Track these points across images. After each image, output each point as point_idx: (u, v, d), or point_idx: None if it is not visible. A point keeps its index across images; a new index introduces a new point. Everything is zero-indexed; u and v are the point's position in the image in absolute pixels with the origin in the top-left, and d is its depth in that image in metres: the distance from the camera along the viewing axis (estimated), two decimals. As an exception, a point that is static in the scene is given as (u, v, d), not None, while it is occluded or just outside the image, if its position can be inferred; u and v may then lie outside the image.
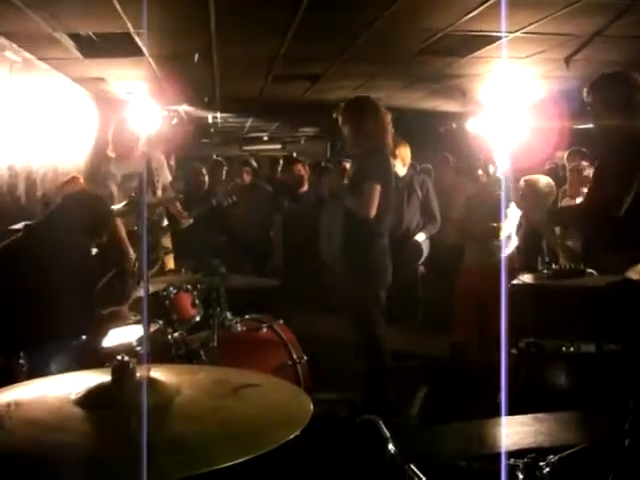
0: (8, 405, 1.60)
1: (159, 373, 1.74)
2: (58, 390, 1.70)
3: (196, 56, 7.64)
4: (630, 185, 4.07)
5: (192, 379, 1.77)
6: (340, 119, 5.45)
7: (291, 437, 1.45)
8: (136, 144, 6.43)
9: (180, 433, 1.48)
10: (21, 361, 3.44)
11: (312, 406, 1.60)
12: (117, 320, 4.17)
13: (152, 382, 1.63)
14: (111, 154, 6.46)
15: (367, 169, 5.29)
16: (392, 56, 7.89)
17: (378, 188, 5.18)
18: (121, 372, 1.61)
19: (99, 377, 1.69)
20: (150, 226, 5.71)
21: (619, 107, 4.28)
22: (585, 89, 4.48)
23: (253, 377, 1.86)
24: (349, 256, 5.40)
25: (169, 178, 6.81)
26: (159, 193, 6.55)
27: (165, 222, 6.71)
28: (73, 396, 1.62)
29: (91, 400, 1.59)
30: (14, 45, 6.87)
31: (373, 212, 5.19)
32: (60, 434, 1.50)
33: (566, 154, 8.15)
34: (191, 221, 6.79)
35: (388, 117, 5.42)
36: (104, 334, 4.05)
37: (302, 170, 8.54)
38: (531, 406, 2.89)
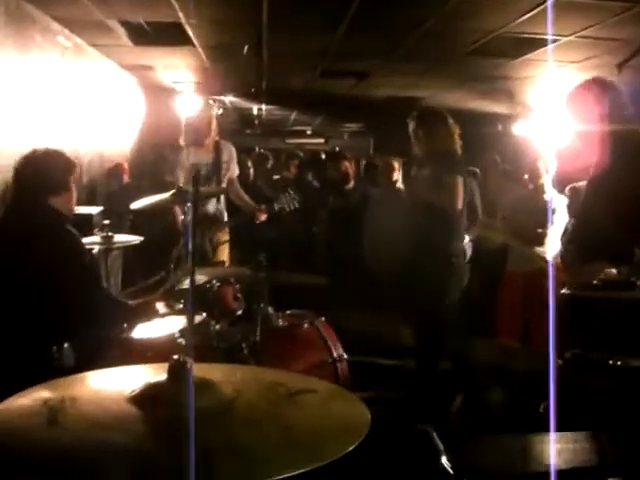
0: (62, 400, 1.57)
1: (212, 373, 1.70)
2: (112, 386, 1.68)
3: (245, 48, 7.63)
4: None
5: (246, 381, 1.74)
6: (412, 124, 5.42)
7: (351, 448, 1.41)
8: (208, 134, 6.38)
9: (241, 439, 1.43)
10: (57, 354, 3.41)
11: (370, 416, 1.56)
12: (147, 312, 4.08)
13: (209, 384, 1.59)
14: (182, 143, 6.43)
15: (446, 166, 5.22)
16: (441, 55, 7.83)
17: (461, 181, 5.14)
18: (178, 372, 1.57)
19: (154, 374, 1.66)
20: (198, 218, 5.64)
21: None
22: None
23: (307, 382, 1.82)
24: (424, 259, 5.31)
25: (236, 172, 6.67)
26: (224, 185, 6.43)
27: (225, 217, 6.59)
28: (128, 393, 1.59)
29: (146, 399, 1.56)
30: (66, 30, 6.91)
31: (460, 204, 5.14)
32: (114, 433, 1.47)
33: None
34: (264, 217, 6.58)
35: (457, 130, 5.39)
36: (135, 326, 3.98)
37: (348, 166, 8.46)
38: (576, 419, 2.84)
